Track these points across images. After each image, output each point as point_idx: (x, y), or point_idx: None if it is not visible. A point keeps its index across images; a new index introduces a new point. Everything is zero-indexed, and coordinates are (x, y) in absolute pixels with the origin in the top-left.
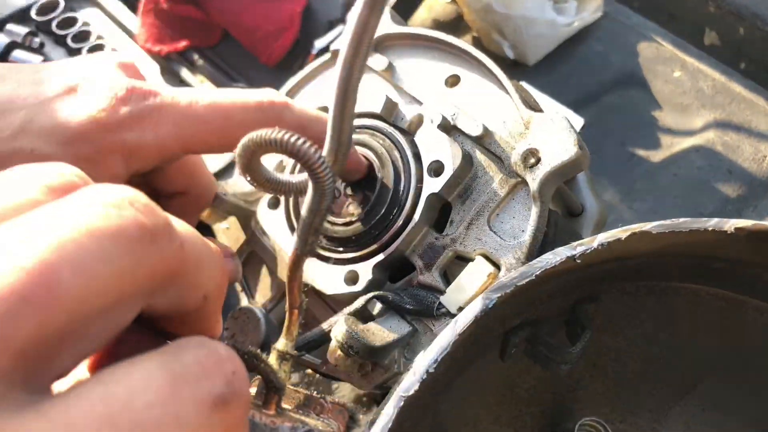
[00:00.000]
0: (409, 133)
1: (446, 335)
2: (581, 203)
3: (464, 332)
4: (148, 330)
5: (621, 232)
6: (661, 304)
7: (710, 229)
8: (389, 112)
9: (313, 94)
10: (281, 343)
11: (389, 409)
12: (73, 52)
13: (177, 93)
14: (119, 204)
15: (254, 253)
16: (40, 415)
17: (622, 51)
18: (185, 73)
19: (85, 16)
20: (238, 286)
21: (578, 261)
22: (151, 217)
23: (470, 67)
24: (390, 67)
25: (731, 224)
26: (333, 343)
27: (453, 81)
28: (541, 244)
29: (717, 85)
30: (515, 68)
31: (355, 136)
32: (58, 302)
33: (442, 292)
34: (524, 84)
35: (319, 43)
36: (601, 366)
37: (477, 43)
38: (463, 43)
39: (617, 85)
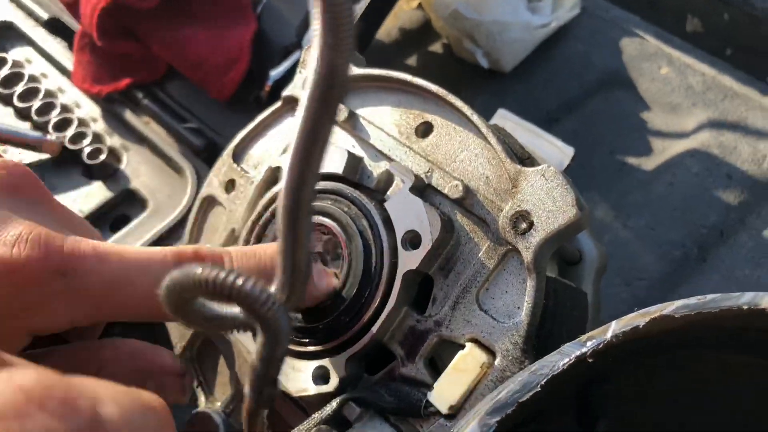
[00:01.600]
0: (377, 193)
1: None
2: (578, 250)
3: None
4: None
5: (639, 318)
6: (682, 375)
7: (744, 308)
8: (353, 171)
9: (268, 146)
10: None
11: None
12: (5, 99)
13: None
14: None
15: (209, 341)
16: None
17: (604, 49)
18: (129, 115)
19: (17, 55)
20: (194, 381)
21: (590, 360)
22: (71, 418)
23: (443, 113)
24: (351, 117)
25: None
26: None
27: (425, 130)
28: (540, 320)
29: (707, 80)
30: (491, 77)
31: (315, 203)
32: None
33: (430, 387)
34: (504, 111)
35: (274, 73)
36: None
37: (447, 51)
38: (434, 86)
39: (601, 87)
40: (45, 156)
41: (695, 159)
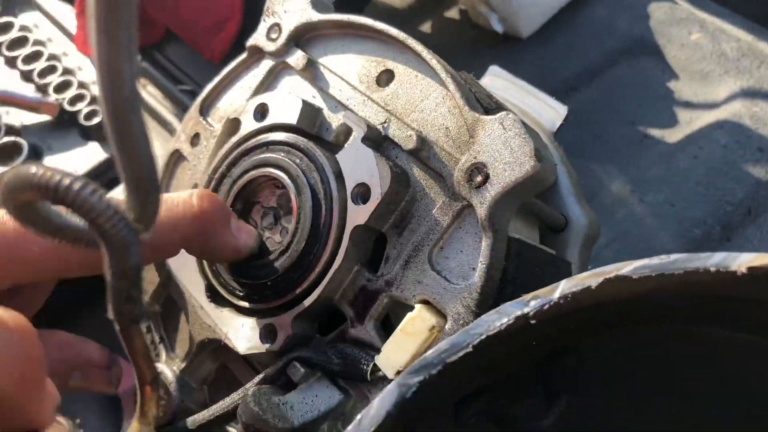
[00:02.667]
0: (335, 146)
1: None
2: (564, 215)
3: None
4: None
5: (591, 278)
6: (664, 351)
7: (712, 269)
8: (310, 122)
9: (234, 99)
10: (133, 429)
11: None
12: (10, 62)
13: None
14: None
15: (171, 297)
16: None
17: (630, 14)
18: None
19: (25, 20)
20: (156, 337)
21: (532, 321)
22: None
23: (406, 60)
24: (311, 65)
25: (740, 262)
26: (239, 425)
27: (386, 78)
28: (500, 284)
29: (742, 46)
30: (507, 43)
31: (265, 155)
32: None
33: (378, 350)
34: (496, 68)
35: None
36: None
37: (464, 17)
38: (394, 29)
39: (625, 54)
40: (44, 117)
41: (724, 131)
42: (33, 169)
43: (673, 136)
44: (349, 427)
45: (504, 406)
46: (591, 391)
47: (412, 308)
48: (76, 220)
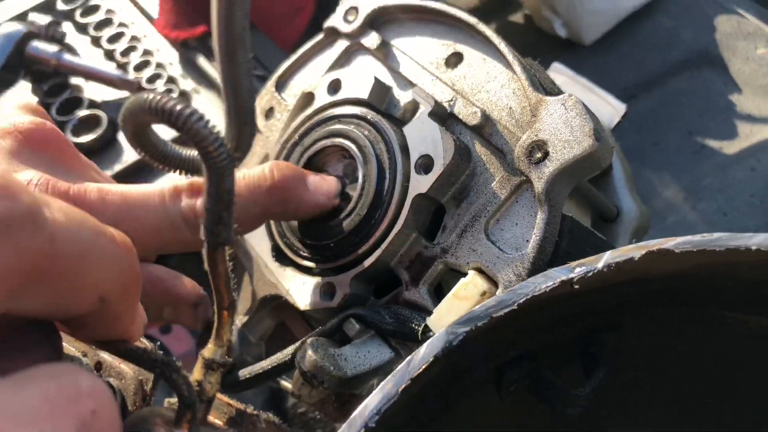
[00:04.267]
0: (401, 123)
1: (395, 379)
2: (616, 206)
3: (422, 376)
4: (38, 334)
5: (635, 250)
6: (703, 335)
7: (753, 248)
8: (379, 99)
9: (309, 77)
10: (208, 350)
11: None
12: (95, 41)
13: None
14: None
15: (238, 259)
16: None
17: (696, 26)
18: (202, 61)
19: (110, 3)
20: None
21: (576, 287)
22: (4, 201)
23: (475, 44)
24: (384, 46)
25: None
26: (296, 372)
27: (455, 60)
28: (551, 258)
29: None
30: (569, 48)
31: (335, 127)
32: None
33: (430, 313)
34: (559, 65)
35: None
36: (631, 408)
37: (528, 21)
38: (465, 14)
39: (688, 65)
40: (123, 93)
41: None
42: (151, 95)
43: (731, 148)
44: (399, 367)
45: (544, 374)
46: (628, 367)
47: (464, 275)
48: (180, 150)
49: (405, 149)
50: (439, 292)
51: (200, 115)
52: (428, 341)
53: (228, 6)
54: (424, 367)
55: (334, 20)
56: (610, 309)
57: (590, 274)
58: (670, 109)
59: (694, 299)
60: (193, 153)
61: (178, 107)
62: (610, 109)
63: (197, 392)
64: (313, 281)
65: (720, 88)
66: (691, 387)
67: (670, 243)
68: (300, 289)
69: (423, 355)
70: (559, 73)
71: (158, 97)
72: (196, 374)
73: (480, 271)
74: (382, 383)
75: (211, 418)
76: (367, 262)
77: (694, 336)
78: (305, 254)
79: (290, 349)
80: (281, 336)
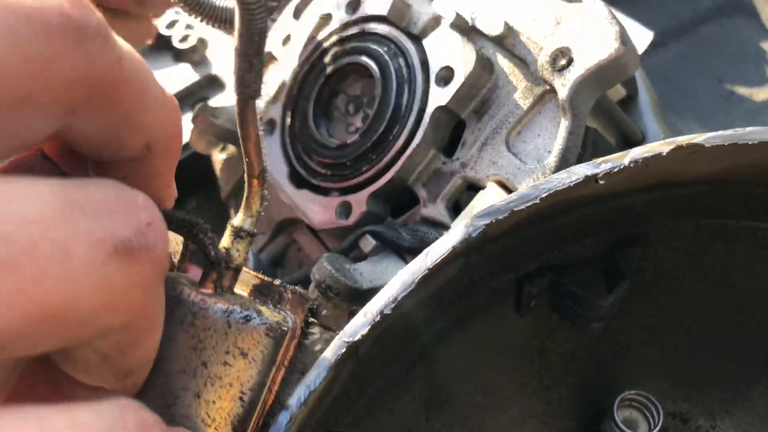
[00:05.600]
0: (420, 38)
1: (412, 269)
2: (642, 130)
3: (438, 267)
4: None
5: (663, 146)
6: (731, 251)
7: None
8: (400, 15)
9: (326, 3)
10: (238, 219)
11: (323, 363)
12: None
13: None
14: None
15: None
16: None
17: None
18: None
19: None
20: None
21: (601, 182)
22: (81, 9)
23: None
24: None
25: None
26: (311, 284)
27: None
28: None
29: None
30: None
31: (352, 44)
32: None
33: (448, 228)
34: None
35: None
36: (655, 329)
37: None
38: None
39: (718, 13)
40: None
41: None
42: None
43: (761, 94)
44: (416, 258)
45: (566, 285)
46: (653, 286)
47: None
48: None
49: (425, 64)
50: (456, 210)
51: None
52: (447, 233)
53: None
54: (442, 257)
55: None
56: (636, 218)
57: (616, 170)
58: (699, 57)
59: (723, 210)
60: (225, 4)
61: None
62: (637, 36)
63: (224, 258)
64: (328, 201)
65: (751, 36)
66: (716, 309)
67: (700, 138)
68: (316, 209)
69: (440, 246)
70: None
71: None
72: (224, 242)
73: (500, 183)
74: (399, 272)
75: (236, 289)
76: (384, 179)
77: (723, 253)
78: (321, 173)
79: (306, 268)
80: (296, 258)
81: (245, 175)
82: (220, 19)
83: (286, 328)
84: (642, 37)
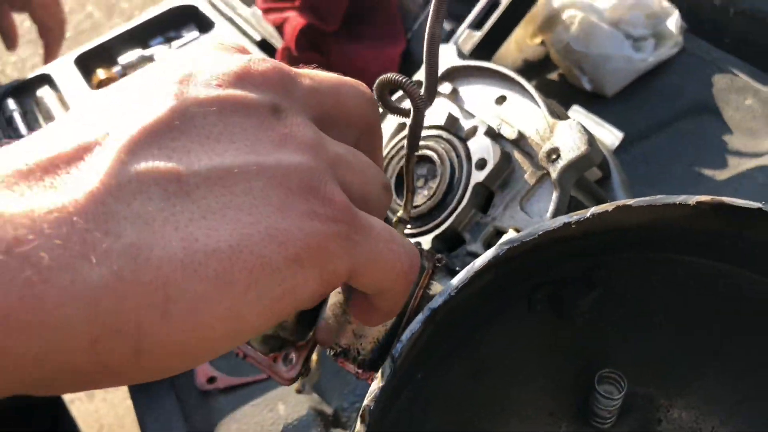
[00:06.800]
0: (465, 140)
1: (466, 269)
2: (612, 200)
3: (482, 272)
4: None
5: (609, 206)
6: (666, 274)
7: (677, 203)
8: (451, 125)
9: None
10: (400, 213)
11: (417, 321)
12: None
13: None
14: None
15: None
16: None
17: (697, 82)
18: None
19: None
20: None
21: (574, 227)
22: (413, 256)
23: (514, 89)
24: (454, 92)
25: (694, 199)
26: None
27: (500, 100)
28: None
29: None
30: (595, 100)
31: (422, 142)
32: None
33: None
34: (577, 107)
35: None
36: (624, 326)
37: (562, 79)
38: (509, 71)
39: (690, 113)
40: None
41: (763, 173)
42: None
43: (721, 175)
44: (468, 266)
45: (558, 293)
46: (618, 297)
47: (506, 233)
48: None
49: (468, 156)
50: (488, 247)
51: (416, 84)
52: (483, 254)
53: (434, 23)
54: (482, 265)
55: (419, 75)
56: (599, 250)
57: (582, 219)
58: (676, 146)
59: (657, 245)
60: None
61: (404, 80)
62: (612, 136)
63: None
64: None
65: (715, 131)
66: (665, 313)
67: (630, 201)
68: None
69: (482, 259)
70: (576, 111)
71: (395, 76)
72: None
73: (516, 230)
74: (464, 269)
75: None
76: (443, 227)
77: (661, 275)
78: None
79: None
80: None
81: (405, 190)
82: (401, 113)
83: (425, 265)
84: (615, 135)
